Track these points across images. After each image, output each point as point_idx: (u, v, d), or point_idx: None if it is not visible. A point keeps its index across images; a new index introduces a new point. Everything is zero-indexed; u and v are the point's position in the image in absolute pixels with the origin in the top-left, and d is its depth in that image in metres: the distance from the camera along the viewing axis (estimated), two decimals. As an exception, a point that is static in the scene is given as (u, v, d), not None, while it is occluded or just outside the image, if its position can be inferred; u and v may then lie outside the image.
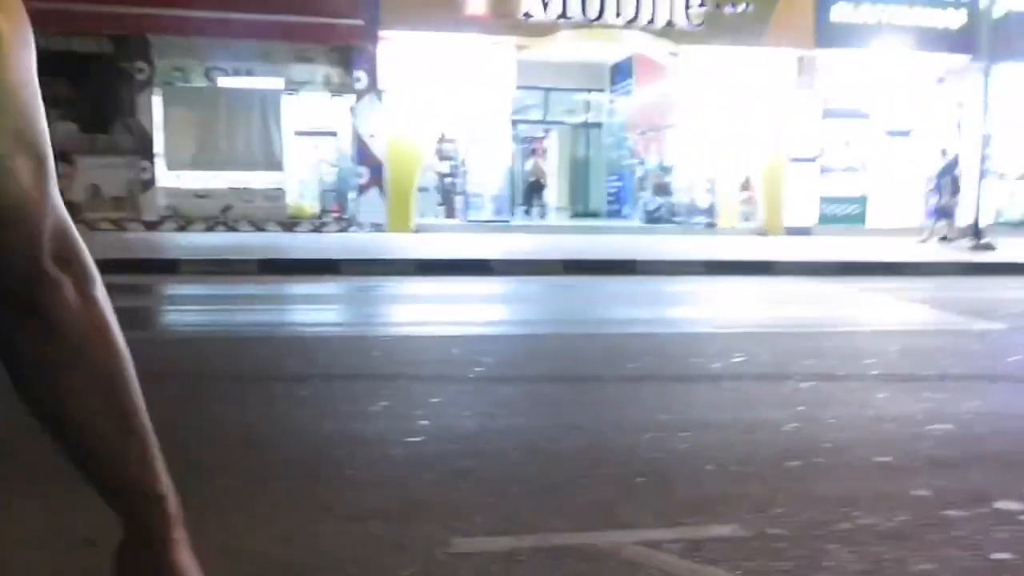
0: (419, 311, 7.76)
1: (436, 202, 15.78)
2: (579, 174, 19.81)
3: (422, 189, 14.91)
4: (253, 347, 5.55)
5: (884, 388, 4.63)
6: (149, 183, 13.30)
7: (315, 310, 7.83)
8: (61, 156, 13.03)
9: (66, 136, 13.27)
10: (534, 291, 8.84)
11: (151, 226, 13.19)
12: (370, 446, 3.52)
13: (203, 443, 3.45)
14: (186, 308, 8.07)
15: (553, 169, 21.41)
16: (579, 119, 19.10)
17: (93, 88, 13.28)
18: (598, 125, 19.08)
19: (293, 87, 14.07)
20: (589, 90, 18.30)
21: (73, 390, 0.66)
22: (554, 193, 21.30)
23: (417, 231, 13.88)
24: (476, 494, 2.99)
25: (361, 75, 13.69)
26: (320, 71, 14.09)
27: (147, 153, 13.29)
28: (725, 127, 14.88)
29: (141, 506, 0.69)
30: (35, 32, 0.63)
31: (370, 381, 4.68)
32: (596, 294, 8.75)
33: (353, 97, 13.85)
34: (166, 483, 0.70)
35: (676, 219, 16.03)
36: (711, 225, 15.37)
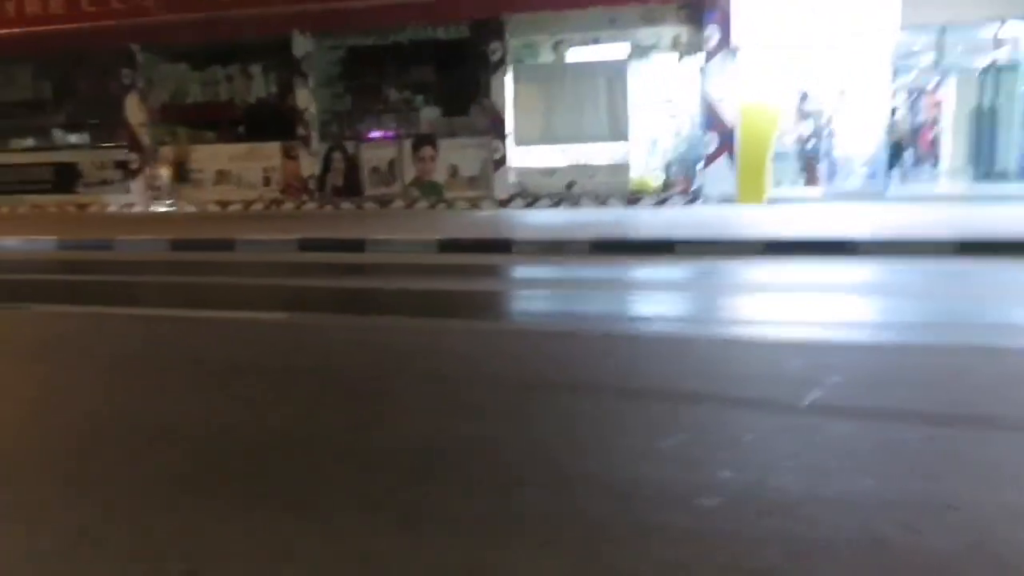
0: (757, 305, 6.61)
1: (795, 169, 14.06)
2: (983, 128, 16.31)
3: (779, 155, 13.34)
4: (553, 345, 5.00)
5: None
6: (500, 162, 13.70)
7: (634, 301, 7.09)
8: (426, 140, 14.05)
9: (430, 120, 14.29)
10: (912, 281, 7.11)
11: (502, 204, 13.62)
12: (645, 506, 2.68)
13: (445, 478, 2.91)
14: (513, 294, 7.90)
15: (948, 123, 18.09)
16: (985, 60, 15.63)
17: (453, 73, 14.05)
18: (1012, 67, 15.41)
19: (640, 52, 13.45)
20: (1001, 21, 14.78)
21: None
22: (949, 152, 17.94)
23: (770, 203, 12.42)
24: (774, 625, 2.01)
25: (712, 32, 12.57)
26: (668, 32, 13.26)
27: (499, 133, 13.70)
28: None
29: None
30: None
31: (670, 402, 3.81)
32: (1001, 287, 6.72)
33: (702, 57, 12.79)
34: None
35: None
36: None
